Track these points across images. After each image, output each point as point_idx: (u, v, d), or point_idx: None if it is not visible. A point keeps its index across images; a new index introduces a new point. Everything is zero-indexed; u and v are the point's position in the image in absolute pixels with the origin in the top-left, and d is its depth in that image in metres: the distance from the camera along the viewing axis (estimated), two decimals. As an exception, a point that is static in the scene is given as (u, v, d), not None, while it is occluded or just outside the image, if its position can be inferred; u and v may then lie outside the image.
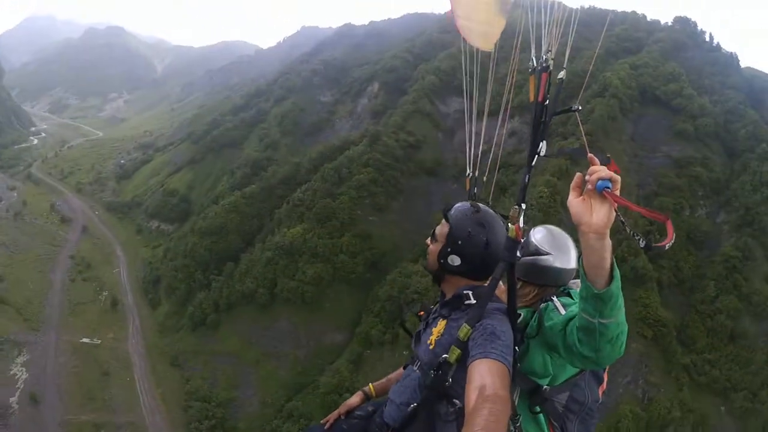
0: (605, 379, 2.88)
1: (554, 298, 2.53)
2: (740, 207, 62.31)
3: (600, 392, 2.85)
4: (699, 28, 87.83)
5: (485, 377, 1.93)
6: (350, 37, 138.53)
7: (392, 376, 3.20)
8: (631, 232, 1.73)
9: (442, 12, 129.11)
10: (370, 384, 3.27)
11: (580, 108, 2.33)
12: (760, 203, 61.38)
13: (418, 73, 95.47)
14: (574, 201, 1.83)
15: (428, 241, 2.69)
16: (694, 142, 69.30)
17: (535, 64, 2.34)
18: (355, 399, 3.24)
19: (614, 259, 1.78)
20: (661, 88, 74.00)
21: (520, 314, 2.37)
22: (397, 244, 69.88)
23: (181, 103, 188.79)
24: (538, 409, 2.54)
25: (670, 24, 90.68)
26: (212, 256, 70.32)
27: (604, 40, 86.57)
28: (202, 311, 61.17)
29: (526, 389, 2.45)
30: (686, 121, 70.35)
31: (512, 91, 3.42)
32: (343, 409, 3.22)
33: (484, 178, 3.31)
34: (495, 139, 3.41)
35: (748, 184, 63.39)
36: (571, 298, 2.57)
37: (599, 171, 1.77)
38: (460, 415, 2.10)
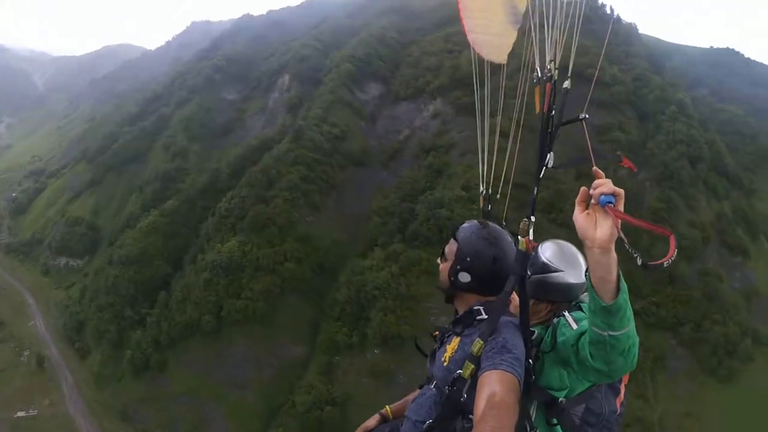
0: (622, 390, 2.80)
1: (566, 313, 2.47)
2: (659, 164, 66.67)
3: (618, 403, 2.75)
4: (600, 1, 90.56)
5: (494, 386, 1.95)
6: (249, 29, 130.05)
7: (409, 397, 2.99)
8: (630, 250, 1.70)
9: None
10: (387, 406, 3.15)
11: (587, 116, 2.26)
12: (676, 159, 66.60)
13: (332, 61, 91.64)
14: (579, 216, 1.81)
15: (438, 260, 2.66)
16: (610, 109, 72.32)
17: (540, 75, 2.32)
18: (371, 422, 3.09)
19: (620, 272, 1.77)
20: (574, 61, 75.85)
21: (533, 331, 2.39)
22: (338, 241, 67.11)
23: (68, 119, 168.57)
24: (555, 421, 2.50)
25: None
26: (139, 287, 63.79)
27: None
28: (143, 352, 55.07)
29: (542, 402, 2.43)
30: (602, 90, 72.87)
31: (523, 108, 3.35)
32: (360, 431, 3.08)
33: (498, 195, 3.36)
34: (506, 159, 3.36)
35: (663, 143, 68.45)
36: (583, 311, 2.52)
37: (602, 186, 1.76)
38: None
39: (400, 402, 3.16)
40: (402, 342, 48.81)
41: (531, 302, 2.66)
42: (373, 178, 77.75)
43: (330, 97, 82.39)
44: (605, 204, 1.72)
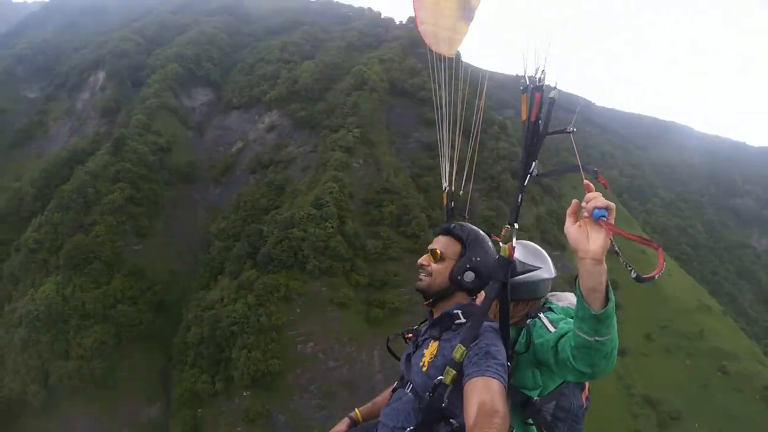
0: (587, 385, 2.99)
1: (541, 315, 2.61)
2: (487, 177, 74.06)
3: (583, 398, 2.95)
4: None
5: (483, 394, 1.97)
6: (62, 14, 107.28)
7: (378, 399, 3.11)
8: (625, 263, 1.81)
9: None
10: (356, 409, 3.15)
11: (574, 130, 2.27)
12: (501, 172, 74.69)
13: (156, 60, 79.89)
14: (571, 228, 1.87)
15: (425, 260, 2.60)
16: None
17: (527, 83, 2.28)
18: (341, 426, 3.08)
19: (609, 282, 1.83)
20: (407, 82, 79.57)
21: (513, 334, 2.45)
22: (176, 271, 59.80)
23: None
24: (531, 420, 2.60)
25: (404, 22, 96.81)
26: None
27: (349, 33, 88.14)
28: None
29: (517, 402, 2.52)
30: (431, 110, 77.99)
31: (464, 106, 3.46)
32: None
33: (461, 192, 3.31)
34: (468, 158, 3.39)
35: (489, 159, 75.88)
36: (554, 312, 2.66)
37: (595, 200, 1.81)
38: None
39: (368, 404, 3.16)
40: (273, 378, 45.97)
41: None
42: (205, 196, 71.04)
43: (154, 101, 72.43)
44: (598, 218, 1.78)
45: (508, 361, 2.25)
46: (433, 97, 3.36)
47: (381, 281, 57.30)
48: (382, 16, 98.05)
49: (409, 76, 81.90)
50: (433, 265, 2.58)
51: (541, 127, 2.26)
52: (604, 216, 1.77)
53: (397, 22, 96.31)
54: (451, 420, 2.19)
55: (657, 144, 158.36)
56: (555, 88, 2.25)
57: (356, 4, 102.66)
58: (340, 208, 61.62)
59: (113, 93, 76.55)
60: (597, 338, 1.89)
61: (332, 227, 59.39)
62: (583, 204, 1.85)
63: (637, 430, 53.88)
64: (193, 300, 55.54)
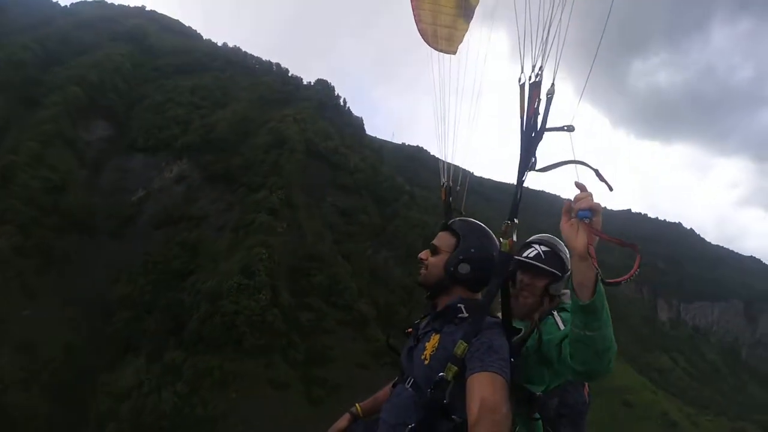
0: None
1: (554, 313, 2.81)
2: (401, 244, 75.79)
3: (585, 393, 3.17)
4: (336, 93, 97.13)
5: (485, 390, 2.04)
6: None
7: (379, 395, 3.14)
8: (596, 269, 1.90)
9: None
10: (356, 404, 3.18)
11: (574, 128, 2.26)
12: (414, 240, 76.23)
13: (56, 78, 66.55)
14: (564, 225, 1.99)
15: (424, 255, 2.67)
16: (352, 194, 77.91)
17: (526, 77, 2.36)
18: (342, 422, 3.11)
19: (599, 278, 1.90)
20: (322, 144, 79.03)
21: (520, 329, 2.48)
22: (71, 345, 49.14)
23: None
24: (537, 415, 2.64)
25: (312, 83, 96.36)
26: None
27: (259, 86, 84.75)
28: None
29: (522, 398, 2.49)
30: (346, 175, 78.05)
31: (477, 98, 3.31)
32: None
33: (458, 187, 3.36)
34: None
35: (402, 226, 77.71)
36: (567, 311, 2.64)
37: (581, 201, 1.94)
38: (460, 430, 2.16)
39: (369, 399, 3.17)
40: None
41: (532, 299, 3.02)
42: (101, 251, 60.13)
43: (50, 127, 60.39)
44: (582, 218, 1.91)
45: (514, 357, 2.29)
46: (434, 88, 3.17)
47: (319, 356, 54.49)
48: (290, 74, 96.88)
49: (322, 139, 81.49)
50: (431, 258, 2.63)
51: (539, 124, 2.29)
52: (587, 217, 1.89)
53: (305, 83, 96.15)
54: (452, 416, 2.20)
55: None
56: (553, 83, 2.28)
57: (264, 57, 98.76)
58: (271, 276, 57.82)
59: (3, 109, 62.01)
60: (587, 332, 1.95)
61: (266, 299, 55.38)
62: (573, 204, 1.95)
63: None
64: (99, 385, 46.42)
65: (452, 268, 2.52)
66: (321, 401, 49.15)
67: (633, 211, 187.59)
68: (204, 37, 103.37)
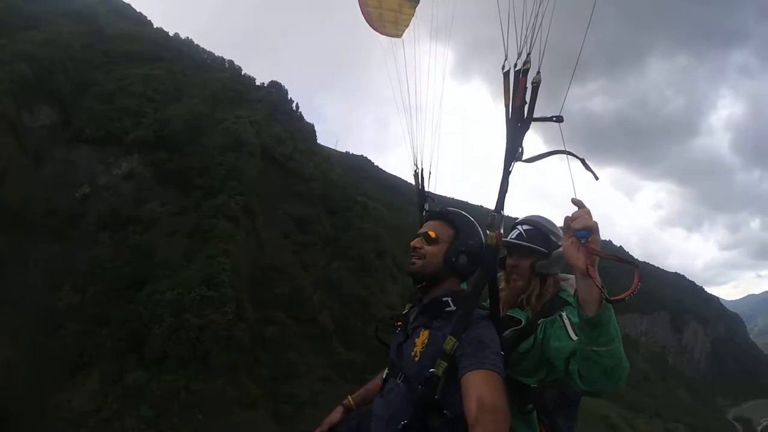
0: None
1: (564, 315, 2.48)
2: (355, 256, 75.53)
3: None
4: (289, 96, 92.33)
5: (482, 388, 2.03)
6: None
7: (370, 386, 3.06)
8: (599, 287, 1.87)
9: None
10: (349, 396, 3.12)
11: (562, 118, 2.19)
12: (369, 251, 76.27)
13: (1, 52, 56.46)
14: (566, 243, 1.98)
15: (419, 243, 2.57)
16: (307, 203, 76.09)
17: (512, 65, 2.29)
18: (335, 415, 3.03)
19: (604, 293, 1.88)
20: (277, 149, 76.43)
21: (519, 321, 2.49)
22: (10, 363, 43.68)
23: None
24: (531, 407, 2.63)
25: (266, 85, 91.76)
26: None
27: (210, 83, 79.86)
28: None
29: (515, 388, 2.45)
30: (302, 184, 76.29)
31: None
32: (324, 427, 3.00)
33: (429, 173, 3.32)
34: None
35: (356, 238, 77.45)
36: (572, 306, 2.43)
37: (577, 220, 1.93)
38: (452, 425, 2.16)
39: (361, 390, 3.13)
40: None
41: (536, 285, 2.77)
42: (41, 252, 53.72)
43: None
44: (579, 238, 1.92)
45: (509, 349, 2.33)
46: (397, 77, 3.25)
47: (285, 373, 53.20)
48: (243, 73, 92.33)
49: (277, 144, 78.73)
50: (427, 248, 2.57)
51: (525, 113, 2.28)
52: (584, 237, 1.91)
53: (258, 83, 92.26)
54: (444, 411, 2.21)
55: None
56: (538, 72, 2.26)
57: (216, 53, 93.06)
58: (236, 288, 55.39)
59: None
60: (594, 348, 1.93)
61: (231, 312, 53.02)
62: (570, 223, 1.95)
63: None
64: (49, 409, 41.89)
65: (453, 259, 2.52)
66: (288, 418, 48.16)
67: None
68: (155, 25, 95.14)
